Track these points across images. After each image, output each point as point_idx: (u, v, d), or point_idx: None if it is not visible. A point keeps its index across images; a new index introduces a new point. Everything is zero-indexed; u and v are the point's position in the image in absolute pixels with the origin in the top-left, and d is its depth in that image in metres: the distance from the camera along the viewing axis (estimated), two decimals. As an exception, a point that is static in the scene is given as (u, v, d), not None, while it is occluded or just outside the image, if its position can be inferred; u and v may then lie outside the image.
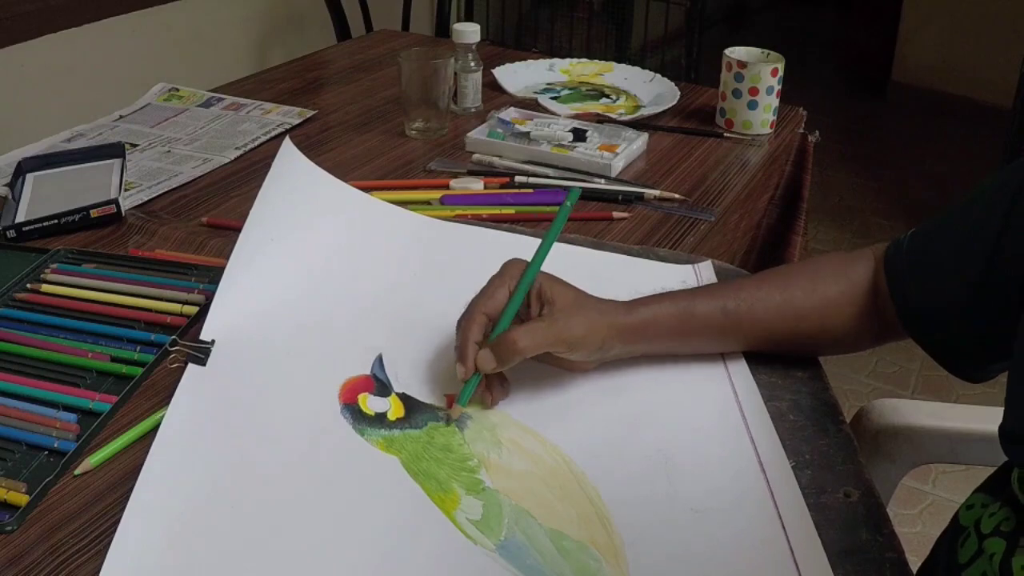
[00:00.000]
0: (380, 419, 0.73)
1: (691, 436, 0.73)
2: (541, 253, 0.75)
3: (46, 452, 0.71)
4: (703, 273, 0.93)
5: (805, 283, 0.78)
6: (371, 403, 0.75)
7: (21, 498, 0.67)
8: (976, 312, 0.70)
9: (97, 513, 0.67)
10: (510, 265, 0.75)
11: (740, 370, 0.79)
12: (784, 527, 0.64)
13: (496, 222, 1.05)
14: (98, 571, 0.62)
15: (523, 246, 0.95)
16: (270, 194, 0.89)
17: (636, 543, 0.63)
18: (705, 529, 0.65)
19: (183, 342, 0.80)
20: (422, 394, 0.76)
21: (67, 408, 0.76)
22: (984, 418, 0.94)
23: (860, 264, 0.79)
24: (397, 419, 0.73)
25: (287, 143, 0.95)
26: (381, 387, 0.77)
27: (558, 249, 0.93)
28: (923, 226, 0.77)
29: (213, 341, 0.80)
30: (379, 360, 0.80)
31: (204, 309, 0.88)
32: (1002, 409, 0.72)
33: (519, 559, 0.62)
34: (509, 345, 0.70)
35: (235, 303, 0.83)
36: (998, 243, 0.68)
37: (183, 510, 0.65)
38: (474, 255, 0.95)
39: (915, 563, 0.63)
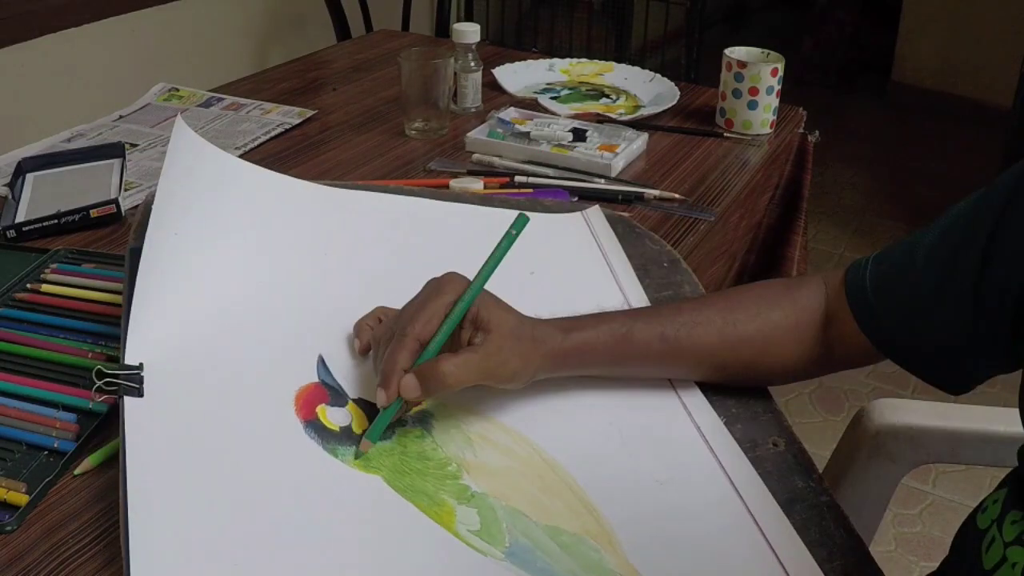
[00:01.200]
0: (347, 433, 0.69)
1: (636, 411, 0.75)
2: (481, 278, 0.70)
3: (46, 452, 0.71)
4: (593, 218, 0.96)
5: (749, 307, 0.75)
6: (331, 416, 0.71)
7: (21, 498, 0.67)
8: (959, 330, 0.68)
9: (97, 513, 0.66)
10: (447, 283, 0.70)
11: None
12: (735, 487, 0.67)
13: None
14: (98, 571, 0.62)
15: (458, 216, 0.96)
16: (171, 184, 0.80)
17: (623, 526, 0.64)
18: (672, 502, 0.67)
19: (110, 372, 0.70)
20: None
21: (67, 408, 0.76)
22: (984, 418, 0.94)
23: (807, 290, 0.76)
24: (363, 431, 0.69)
25: (179, 123, 0.86)
26: (335, 395, 0.73)
27: (449, 209, 0.95)
28: (886, 252, 0.75)
29: (141, 365, 0.72)
30: (321, 362, 0.75)
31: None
32: (1002, 409, 0.71)
33: (530, 563, 0.61)
34: (438, 378, 0.66)
35: (155, 317, 0.75)
36: (985, 257, 0.66)
37: (182, 558, 0.59)
38: (409, 230, 0.94)
39: (914, 563, 0.63)
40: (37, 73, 2.03)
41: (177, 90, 1.46)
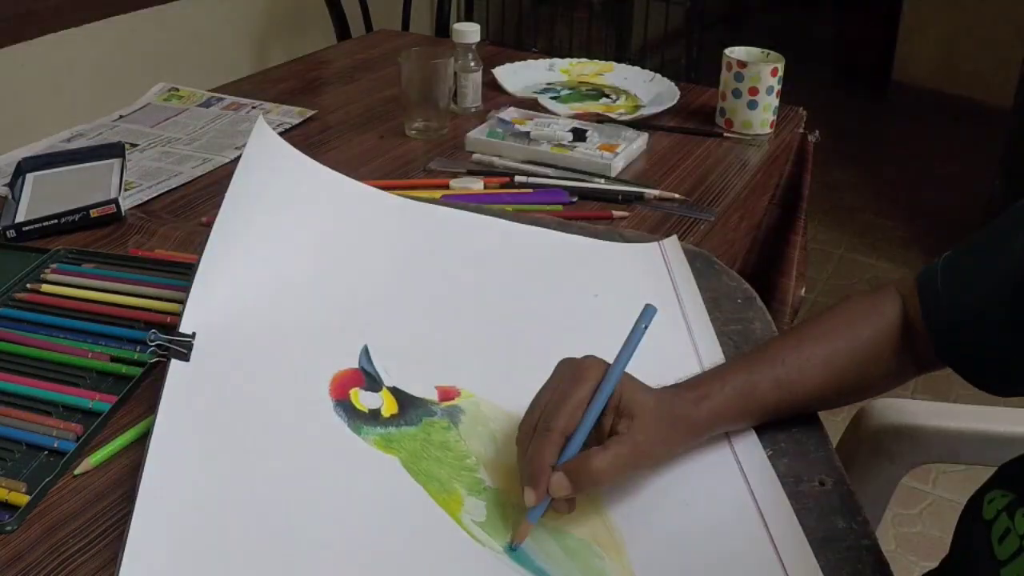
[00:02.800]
0: (375, 416, 0.72)
1: None
2: (619, 366, 0.66)
3: (46, 452, 0.71)
4: (669, 250, 0.95)
5: (843, 334, 0.75)
6: (363, 399, 0.73)
7: (21, 498, 0.67)
8: (1014, 330, 0.68)
9: (97, 513, 0.67)
10: (587, 368, 0.66)
11: (708, 344, 0.82)
12: (764, 518, 0.66)
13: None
14: (98, 571, 0.62)
15: (530, 239, 0.96)
16: (245, 177, 0.85)
17: (636, 538, 0.64)
18: (694, 524, 0.66)
19: (163, 336, 0.76)
20: (413, 388, 0.75)
21: (67, 408, 0.76)
22: (984, 418, 0.94)
23: (888, 303, 0.77)
24: (392, 416, 0.72)
25: (260, 123, 0.91)
26: (371, 381, 0.75)
27: (523, 233, 0.96)
28: (955, 250, 0.76)
29: (194, 334, 0.76)
30: (365, 351, 0.78)
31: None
32: (1002, 409, 0.71)
33: (528, 561, 0.62)
34: (590, 475, 0.62)
35: (213, 294, 0.79)
36: None
37: (189, 518, 0.63)
38: (478, 247, 0.95)
39: (914, 563, 0.64)
40: (37, 73, 2.03)
41: (177, 90, 1.46)
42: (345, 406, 0.72)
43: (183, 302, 0.78)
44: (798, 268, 1.35)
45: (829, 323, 0.77)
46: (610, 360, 0.66)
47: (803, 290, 1.40)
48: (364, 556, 0.61)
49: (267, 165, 0.90)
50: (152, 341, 0.76)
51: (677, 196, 1.13)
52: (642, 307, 0.68)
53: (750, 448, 0.72)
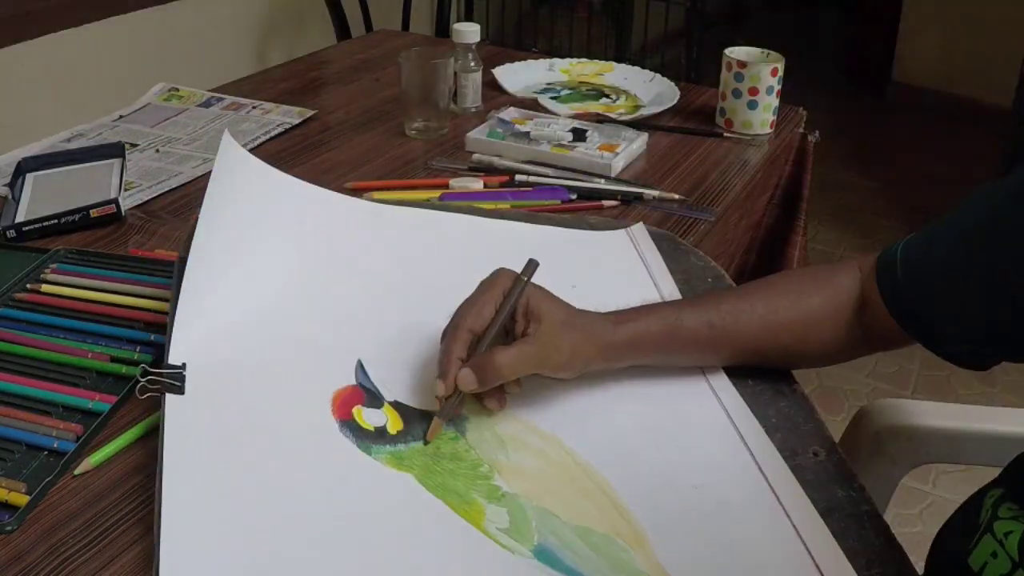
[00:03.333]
0: (381, 434, 0.71)
1: (673, 416, 0.75)
2: (528, 270, 0.73)
3: (46, 452, 0.71)
4: (637, 236, 0.97)
5: (789, 294, 0.77)
6: (367, 416, 0.72)
7: (21, 498, 0.67)
8: (979, 312, 0.70)
9: (97, 513, 0.67)
10: (499, 276, 0.73)
11: None
12: (776, 494, 0.67)
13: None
14: (98, 571, 0.62)
15: (502, 233, 0.96)
16: (217, 198, 0.83)
17: (655, 527, 0.65)
18: (708, 506, 0.67)
19: (154, 371, 0.72)
20: (414, 400, 0.74)
21: (67, 408, 0.76)
22: (984, 418, 0.94)
23: (843, 275, 0.78)
24: (398, 432, 0.71)
25: (226, 138, 0.89)
26: (371, 397, 0.74)
27: (498, 227, 0.97)
28: (919, 232, 0.76)
29: (184, 365, 0.73)
30: (360, 367, 0.77)
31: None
32: (1002, 409, 0.72)
33: (557, 562, 0.62)
34: (492, 368, 0.68)
35: (198, 320, 0.76)
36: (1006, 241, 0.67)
37: (216, 549, 0.60)
38: (451, 245, 0.95)
39: (914, 563, 0.64)
40: (37, 73, 2.04)
41: (177, 90, 1.46)
42: (350, 426, 0.71)
43: (167, 334, 0.75)
44: (798, 268, 1.35)
45: (780, 284, 0.80)
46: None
47: (803, 290, 1.40)
48: (396, 574, 0.61)
49: (236, 183, 0.87)
50: (143, 376, 0.72)
51: (676, 196, 1.13)
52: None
53: (747, 423, 0.74)
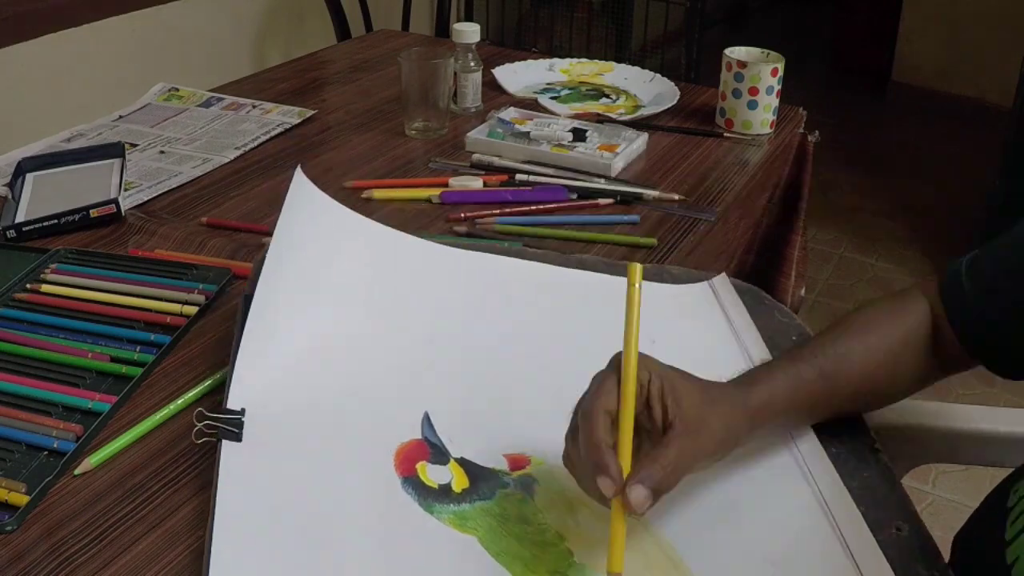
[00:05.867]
0: (446, 492, 0.68)
1: (753, 484, 0.70)
2: (630, 339, 0.63)
3: (46, 452, 0.71)
4: (719, 288, 0.92)
5: (874, 331, 0.75)
6: (431, 473, 0.69)
7: (21, 498, 0.67)
8: None
9: (97, 513, 0.67)
10: (612, 362, 0.64)
11: None
12: (830, 513, 0.65)
13: (532, 248, 1.00)
14: (98, 571, 0.62)
15: (582, 285, 0.92)
16: (286, 233, 0.80)
17: (695, 556, 0.62)
18: (749, 526, 0.64)
19: (211, 415, 0.71)
20: (480, 457, 0.71)
21: (67, 408, 0.76)
22: (984, 418, 0.94)
23: (912, 303, 0.77)
24: (463, 490, 0.68)
25: (298, 175, 0.86)
26: (437, 453, 0.71)
27: (578, 278, 0.92)
28: (979, 250, 0.76)
29: (243, 410, 0.72)
30: (427, 420, 0.74)
31: (204, 309, 0.89)
32: (1002, 409, 0.72)
33: None
34: (665, 477, 0.59)
35: (260, 364, 0.75)
36: None
37: None
38: (528, 296, 0.91)
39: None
40: (37, 73, 2.03)
41: (177, 90, 1.46)
42: (413, 483, 0.68)
43: (227, 377, 0.73)
44: (798, 268, 1.35)
45: (863, 320, 0.77)
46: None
47: (803, 290, 1.40)
48: None
49: (307, 221, 0.85)
50: (199, 421, 0.71)
51: (676, 197, 1.13)
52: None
53: (836, 495, 0.68)
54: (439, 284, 0.90)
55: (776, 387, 0.69)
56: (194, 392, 0.78)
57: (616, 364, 0.63)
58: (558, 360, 0.81)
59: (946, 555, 0.78)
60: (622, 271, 0.91)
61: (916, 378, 0.77)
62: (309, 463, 0.69)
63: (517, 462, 0.71)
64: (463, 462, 0.70)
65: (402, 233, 0.93)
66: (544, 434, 0.70)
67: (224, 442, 0.69)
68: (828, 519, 0.66)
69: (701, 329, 0.87)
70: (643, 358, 0.63)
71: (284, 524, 0.64)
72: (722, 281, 0.93)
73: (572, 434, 0.62)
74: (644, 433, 0.62)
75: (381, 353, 0.80)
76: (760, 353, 0.83)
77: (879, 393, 0.77)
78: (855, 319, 0.77)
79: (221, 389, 0.78)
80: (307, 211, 0.86)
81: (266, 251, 0.79)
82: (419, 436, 0.72)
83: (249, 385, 0.73)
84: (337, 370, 0.78)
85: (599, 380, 0.63)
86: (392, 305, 0.86)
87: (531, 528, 0.65)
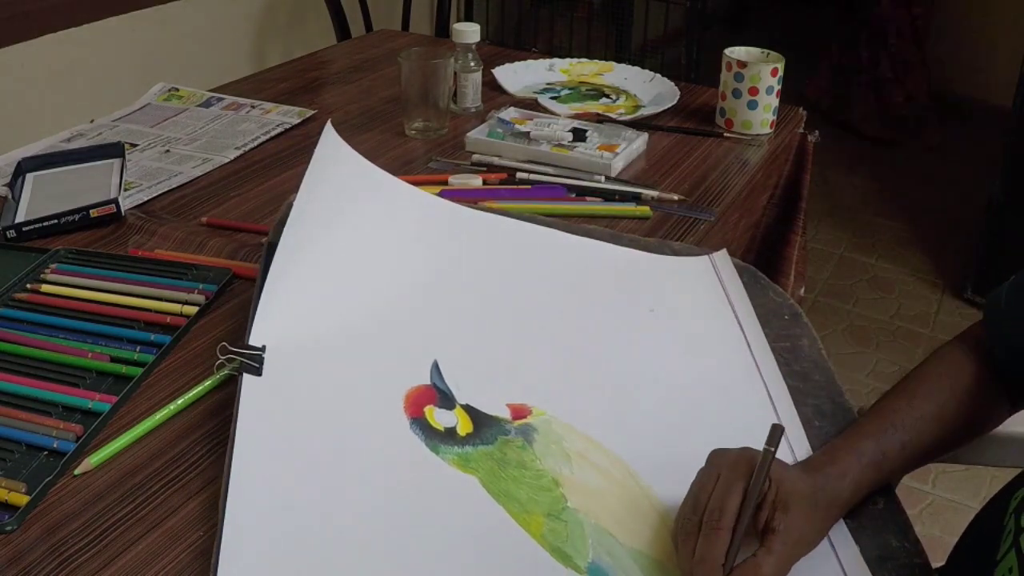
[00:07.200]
0: (451, 435, 0.72)
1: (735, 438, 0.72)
2: (766, 463, 0.63)
3: (46, 452, 0.71)
4: (720, 264, 0.95)
5: (946, 384, 0.76)
6: (438, 417, 0.73)
7: (21, 498, 0.67)
8: None
9: (97, 513, 0.67)
10: (738, 462, 0.65)
11: (767, 363, 0.83)
12: (830, 540, 0.67)
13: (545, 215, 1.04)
14: (98, 571, 0.62)
15: (586, 250, 0.97)
16: (313, 184, 0.84)
17: None
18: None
19: (234, 349, 0.74)
20: (485, 405, 0.75)
21: (67, 408, 0.76)
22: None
23: (972, 345, 0.78)
24: (467, 434, 0.72)
25: (328, 129, 0.90)
26: (444, 399, 0.75)
27: (582, 244, 0.97)
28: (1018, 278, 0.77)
29: (264, 347, 0.76)
30: (436, 368, 0.78)
31: (204, 309, 0.89)
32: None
33: None
34: None
35: (282, 305, 0.78)
36: None
37: (277, 534, 0.63)
38: (536, 258, 0.95)
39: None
40: (37, 73, 2.03)
41: (177, 90, 1.46)
42: (421, 424, 0.72)
43: (250, 315, 0.77)
44: (797, 268, 1.35)
45: (930, 377, 0.77)
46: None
47: (803, 290, 1.40)
48: (449, 573, 0.62)
49: (333, 173, 0.88)
50: (223, 354, 0.75)
51: (676, 197, 1.13)
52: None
53: (797, 436, 0.73)
54: (456, 240, 0.93)
55: (864, 474, 0.70)
56: (194, 392, 0.78)
57: (737, 470, 0.63)
58: (563, 319, 0.86)
59: (945, 556, 0.79)
60: (624, 242, 1.00)
61: (989, 419, 0.79)
62: (324, 400, 0.74)
63: (519, 411, 0.75)
64: (468, 408, 0.75)
65: (423, 191, 0.97)
66: (546, 387, 0.78)
67: (245, 376, 0.73)
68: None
69: (699, 301, 0.91)
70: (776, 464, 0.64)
71: (298, 454, 0.68)
72: (722, 257, 0.96)
73: (691, 525, 0.62)
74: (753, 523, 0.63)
75: (397, 301, 0.84)
76: (753, 329, 0.87)
77: (956, 442, 0.78)
78: (926, 378, 0.77)
79: (221, 389, 0.79)
80: (334, 163, 0.89)
81: (292, 200, 0.82)
82: (428, 382, 0.76)
83: (271, 324, 0.77)
84: (354, 315, 0.81)
85: (728, 488, 0.63)
86: (410, 257, 0.89)
87: (529, 473, 0.70)
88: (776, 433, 0.64)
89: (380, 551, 0.63)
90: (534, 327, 0.85)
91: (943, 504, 1.89)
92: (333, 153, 0.90)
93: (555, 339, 0.84)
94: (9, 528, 0.65)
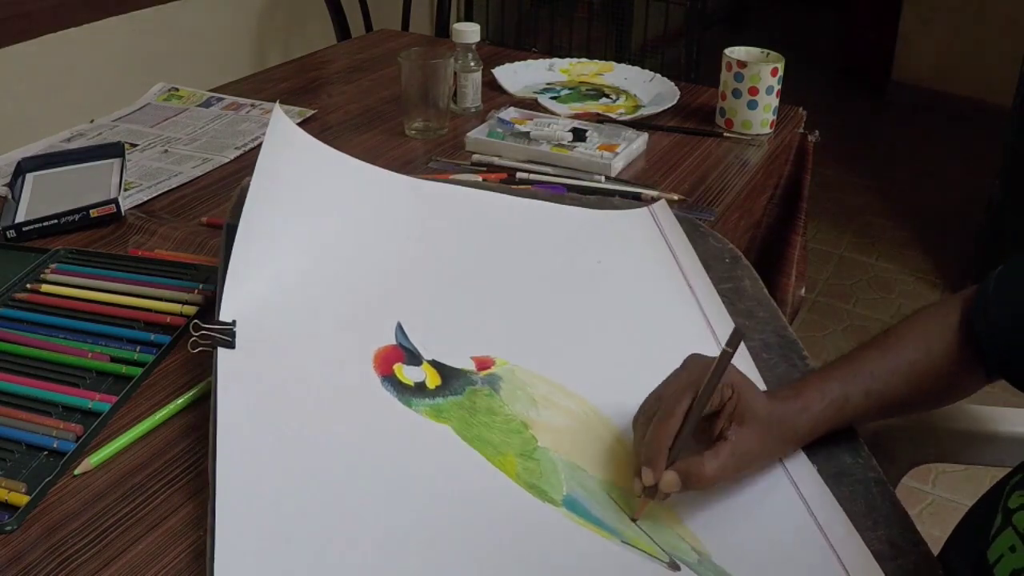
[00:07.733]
0: (421, 388, 0.76)
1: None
2: (722, 363, 0.66)
3: (46, 452, 0.71)
4: (660, 214, 1.02)
5: (920, 342, 0.77)
6: (407, 373, 0.77)
7: (21, 498, 0.67)
8: None
9: (97, 513, 0.67)
10: (694, 365, 0.69)
11: (712, 303, 0.89)
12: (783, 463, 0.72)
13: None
14: (98, 571, 0.62)
15: (534, 211, 1.03)
16: (267, 166, 0.86)
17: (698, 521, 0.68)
18: (752, 524, 0.69)
19: (206, 326, 0.76)
20: (450, 359, 0.79)
21: (67, 408, 0.76)
22: (984, 418, 0.94)
23: (953, 312, 0.78)
24: (436, 387, 0.76)
25: (277, 111, 0.92)
26: (411, 356, 0.79)
27: (529, 207, 1.03)
28: (1008, 267, 0.77)
29: (234, 321, 0.77)
30: (400, 328, 0.82)
31: (204, 309, 0.89)
32: (1002, 409, 0.72)
33: (584, 511, 0.67)
34: (701, 478, 0.65)
35: (247, 281, 0.80)
36: None
37: (269, 499, 0.65)
38: (485, 221, 1.00)
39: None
40: (37, 73, 2.03)
41: (177, 90, 1.46)
42: (392, 381, 0.76)
43: (216, 293, 0.80)
44: (798, 268, 1.35)
45: (908, 332, 0.78)
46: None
47: (803, 290, 1.40)
48: (434, 519, 0.65)
49: (286, 154, 0.92)
50: (195, 331, 0.76)
51: (676, 196, 1.13)
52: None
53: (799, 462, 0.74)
54: (410, 207, 0.98)
55: (824, 412, 0.72)
56: (194, 392, 0.78)
57: (691, 370, 0.68)
58: (517, 275, 0.92)
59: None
60: (568, 201, 1.06)
61: (960, 384, 0.79)
62: (297, 366, 0.77)
63: (483, 363, 0.80)
64: (435, 363, 0.79)
65: (373, 166, 1.00)
66: (506, 338, 0.83)
67: (220, 349, 0.75)
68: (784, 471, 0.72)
69: (642, 250, 0.98)
70: (731, 371, 0.67)
71: (279, 419, 0.71)
72: (662, 207, 1.04)
73: (649, 413, 0.68)
74: (709, 429, 0.68)
75: (357, 271, 0.88)
76: (695, 271, 0.93)
77: (925, 401, 0.80)
78: (902, 332, 0.79)
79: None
80: (286, 145, 0.92)
81: (247, 183, 0.84)
82: (393, 342, 0.80)
83: (238, 299, 0.79)
84: (317, 285, 0.85)
85: (673, 383, 0.68)
86: (366, 226, 0.93)
87: (499, 418, 0.74)
88: (736, 336, 0.66)
89: (367, 502, 0.65)
90: (490, 285, 0.90)
91: (943, 504, 1.89)
92: (283, 133, 0.93)
93: (511, 295, 0.89)
94: (9, 528, 0.65)
